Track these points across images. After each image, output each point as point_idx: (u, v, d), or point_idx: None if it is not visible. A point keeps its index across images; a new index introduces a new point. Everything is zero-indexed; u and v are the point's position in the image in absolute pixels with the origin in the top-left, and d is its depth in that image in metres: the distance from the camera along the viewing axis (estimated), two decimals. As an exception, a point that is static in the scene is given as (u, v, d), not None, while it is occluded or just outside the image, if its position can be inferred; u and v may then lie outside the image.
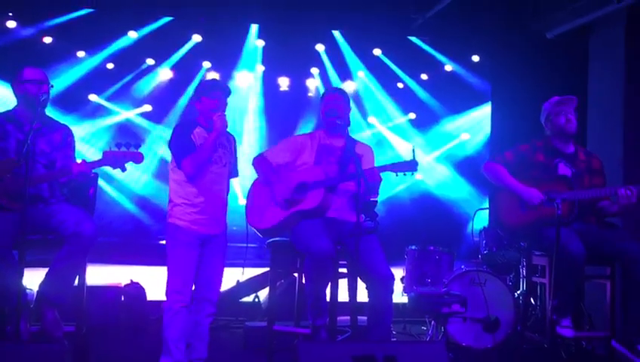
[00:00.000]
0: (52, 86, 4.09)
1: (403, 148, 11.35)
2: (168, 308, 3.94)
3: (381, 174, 4.15)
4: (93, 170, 4.02)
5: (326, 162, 4.34)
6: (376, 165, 4.24)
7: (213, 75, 10.21)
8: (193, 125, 4.11)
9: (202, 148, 3.98)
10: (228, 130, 4.10)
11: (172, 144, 4.06)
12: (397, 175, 4.10)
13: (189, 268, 3.98)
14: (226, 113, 4.10)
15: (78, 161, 4.04)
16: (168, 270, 3.99)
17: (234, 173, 4.31)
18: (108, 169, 3.92)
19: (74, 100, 9.94)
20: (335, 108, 4.34)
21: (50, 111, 4.31)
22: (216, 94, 4.10)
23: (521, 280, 5.38)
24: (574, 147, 4.67)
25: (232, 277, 5.80)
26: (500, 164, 4.63)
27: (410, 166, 4.08)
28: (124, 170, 3.84)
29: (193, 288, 4.05)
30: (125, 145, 3.77)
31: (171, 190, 4.10)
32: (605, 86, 6.08)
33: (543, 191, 4.36)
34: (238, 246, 5.41)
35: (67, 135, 4.25)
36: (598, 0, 5.95)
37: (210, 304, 4.07)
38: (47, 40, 9.12)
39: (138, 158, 3.80)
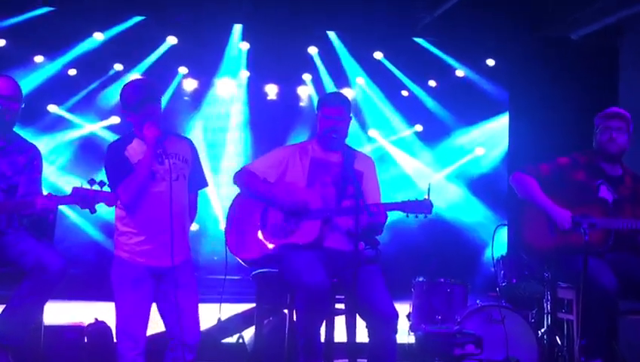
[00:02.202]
0: (23, 105, 4.10)
1: (409, 165, 11.36)
2: (121, 356, 3.87)
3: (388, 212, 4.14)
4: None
5: (320, 183, 4.33)
6: (384, 197, 4.24)
7: (191, 83, 10.25)
8: (129, 139, 4.01)
9: (136, 173, 3.86)
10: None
11: (105, 169, 3.94)
12: (407, 215, 4.11)
13: (140, 309, 3.90)
14: (160, 116, 3.98)
15: (44, 191, 4.03)
16: (116, 311, 3.93)
17: (200, 183, 4.19)
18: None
19: (31, 111, 9.86)
20: (336, 125, 4.34)
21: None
22: (142, 105, 3.94)
23: (545, 316, 5.35)
24: (622, 170, 4.67)
25: (212, 314, 5.77)
26: (531, 176, 4.64)
27: (424, 207, 4.09)
28: (93, 211, 3.75)
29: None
30: (99, 184, 3.72)
31: (116, 216, 4.00)
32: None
33: (574, 214, 4.36)
34: (220, 279, 5.40)
35: (34, 157, 4.25)
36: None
37: (186, 349, 3.92)
38: (0, 43, 9.13)
39: (111, 201, 3.75)
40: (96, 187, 3.71)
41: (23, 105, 4.16)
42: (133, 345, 3.86)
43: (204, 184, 4.25)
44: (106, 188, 3.73)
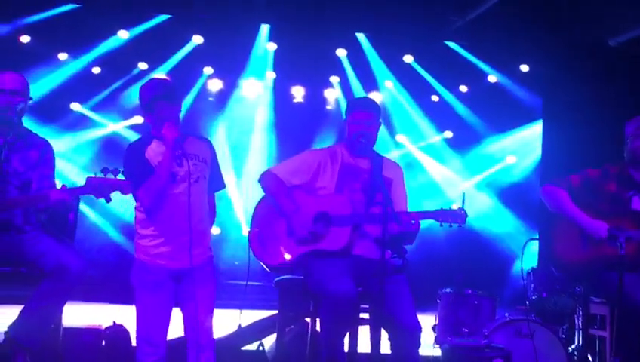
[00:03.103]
0: (31, 99, 4.14)
1: (437, 173, 11.32)
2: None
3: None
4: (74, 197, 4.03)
5: (349, 188, 4.34)
6: (415, 210, 4.21)
7: (216, 84, 10.29)
8: (148, 140, 4.03)
9: (157, 174, 3.87)
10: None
11: (125, 171, 3.93)
12: (441, 225, 4.10)
13: (160, 313, 3.91)
14: (180, 116, 4.03)
15: (58, 183, 4.05)
16: (136, 316, 3.95)
17: (218, 184, 4.20)
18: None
19: (53, 109, 10.00)
20: (365, 130, 4.34)
21: (25, 122, 4.36)
22: (160, 105, 3.96)
23: (577, 332, 5.31)
24: None
25: (232, 320, 5.78)
26: (562, 188, 4.61)
27: (458, 216, 4.10)
28: (108, 200, 3.81)
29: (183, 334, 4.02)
30: (113, 172, 3.76)
31: (135, 218, 4.03)
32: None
33: (610, 226, 4.32)
34: (241, 285, 5.40)
35: (46, 152, 4.29)
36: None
37: (206, 350, 3.94)
38: (25, 39, 9.25)
39: (126, 188, 3.78)
40: (109, 175, 3.73)
41: (30, 101, 4.18)
42: (153, 351, 3.87)
43: (222, 186, 4.26)
44: (120, 176, 3.75)
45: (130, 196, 3.84)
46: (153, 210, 3.89)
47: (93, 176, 3.78)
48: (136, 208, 4.00)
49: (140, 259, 3.98)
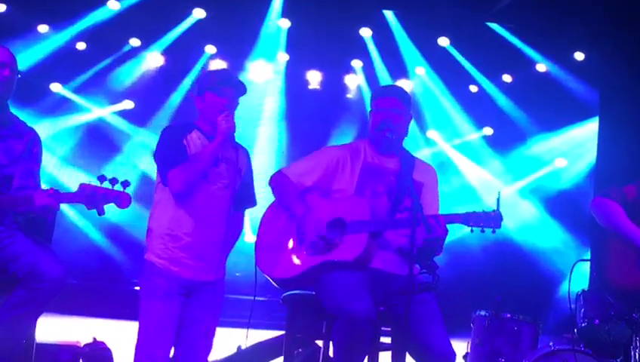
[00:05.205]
0: (20, 74, 4.18)
1: (474, 175, 11.31)
2: None
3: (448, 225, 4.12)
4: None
5: (371, 192, 4.32)
6: (443, 212, 4.21)
7: (219, 65, 10.29)
8: (188, 128, 4.19)
9: (198, 156, 4.03)
10: (237, 140, 4.14)
11: (157, 153, 4.13)
12: (472, 230, 4.10)
13: (167, 326, 4.00)
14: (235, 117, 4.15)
15: (43, 186, 4.09)
16: (139, 326, 4.03)
17: (249, 201, 4.37)
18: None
19: (30, 90, 9.99)
20: (390, 118, 4.33)
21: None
22: (227, 91, 4.17)
23: (633, 366, 5.30)
24: None
25: (231, 341, 5.80)
26: (615, 201, 4.60)
27: (492, 219, 4.07)
28: (101, 213, 3.86)
29: (172, 354, 4.07)
30: (111, 181, 3.80)
31: (152, 215, 4.16)
32: None
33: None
34: (242, 300, 5.42)
35: (33, 144, 4.32)
36: None
37: None
38: (0, 8, 9.30)
39: (123, 202, 3.85)
40: (106, 184, 3.77)
41: (18, 76, 4.23)
42: None
43: (253, 203, 4.44)
44: (118, 187, 3.79)
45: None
46: (184, 197, 4.03)
47: (88, 183, 3.83)
48: (155, 202, 4.14)
49: (152, 262, 4.09)
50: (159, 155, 4.12)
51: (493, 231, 4.09)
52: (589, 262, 6.46)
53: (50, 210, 4.03)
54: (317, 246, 4.22)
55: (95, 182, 3.81)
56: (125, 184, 3.83)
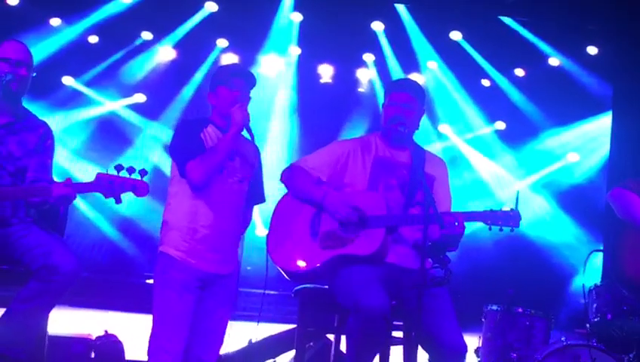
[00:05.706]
0: (34, 74, 4.22)
1: (486, 170, 11.30)
2: None
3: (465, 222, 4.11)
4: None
5: (385, 186, 4.32)
6: (459, 210, 4.19)
7: (231, 58, 10.31)
8: (204, 123, 4.23)
9: (215, 148, 4.06)
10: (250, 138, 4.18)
11: (174, 145, 4.16)
12: (490, 228, 4.10)
13: (182, 318, 4.01)
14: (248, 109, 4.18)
15: (55, 179, 4.10)
16: (154, 318, 4.04)
17: (258, 197, 4.39)
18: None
19: (42, 83, 10.00)
20: (403, 112, 4.33)
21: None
22: (238, 84, 4.21)
23: (646, 361, 5.29)
24: None
25: (242, 334, 5.81)
26: (634, 192, 4.59)
27: (511, 218, 4.08)
28: (118, 201, 3.92)
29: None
30: (128, 170, 3.84)
31: (167, 208, 4.18)
32: None
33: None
34: (254, 293, 5.43)
35: (46, 137, 4.36)
36: None
37: None
38: (13, 1, 9.34)
39: (142, 190, 3.90)
40: (124, 173, 3.79)
41: (34, 75, 4.28)
42: (168, 359, 3.96)
43: (262, 199, 4.46)
44: (136, 176, 3.81)
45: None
46: (202, 188, 4.05)
47: (105, 172, 3.85)
48: (170, 194, 4.17)
49: (168, 254, 4.10)
50: (177, 147, 4.15)
51: (512, 230, 4.10)
52: (601, 255, 6.46)
53: (66, 201, 4.05)
54: (332, 239, 4.22)
55: (112, 171, 3.83)
56: (143, 173, 3.87)
